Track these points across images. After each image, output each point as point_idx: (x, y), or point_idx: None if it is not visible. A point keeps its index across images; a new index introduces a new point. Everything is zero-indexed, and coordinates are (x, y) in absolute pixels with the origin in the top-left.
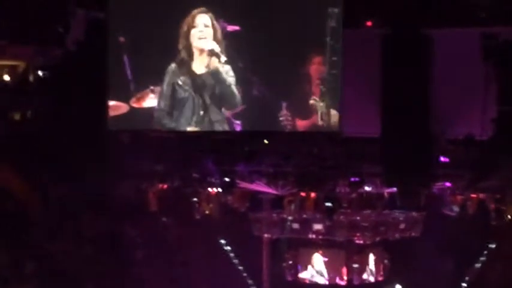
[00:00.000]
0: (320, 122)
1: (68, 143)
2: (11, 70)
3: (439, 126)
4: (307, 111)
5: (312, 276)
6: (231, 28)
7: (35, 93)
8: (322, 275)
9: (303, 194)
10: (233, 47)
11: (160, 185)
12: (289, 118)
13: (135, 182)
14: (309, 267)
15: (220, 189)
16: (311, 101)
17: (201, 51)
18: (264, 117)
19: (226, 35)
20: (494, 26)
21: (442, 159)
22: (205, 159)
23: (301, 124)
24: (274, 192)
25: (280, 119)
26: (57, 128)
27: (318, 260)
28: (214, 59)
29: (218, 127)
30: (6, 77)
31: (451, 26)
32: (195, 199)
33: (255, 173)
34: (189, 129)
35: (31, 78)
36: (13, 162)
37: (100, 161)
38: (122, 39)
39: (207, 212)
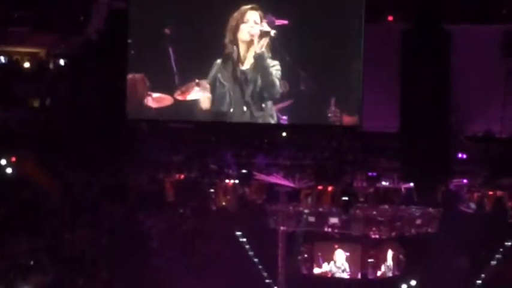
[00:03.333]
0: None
1: (87, 131)
2: (31, 57)
3: (458, 122)
4: (355, 108)
5: (331, 270)
6: (279, 22)
7: (54, 81)
8: (343, 270)
9: (320, 187)
10: (281, 41)
11: (178, 176)
12: (338, 114)
13: (153, 171)
14: (331, 261)
15: (237, 181)
16: None
17: (248, 46)
18: (312, 113)
19: (274, 29)
20: None
21: (460, 155)
22: (223, 150)
23: (348, 120)
24: (291, 185)
25: (329, 115)
26: (76, 116)
27: (339, 255)
28: (260, 54)
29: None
30: (27, 64)
31: (472, 22)
32: (211, 190)
33: (272, 166)
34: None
35: (51, 65)
36: (31, 150)
37: (118, 150)
38: (167, 31)
39: (223, 203)
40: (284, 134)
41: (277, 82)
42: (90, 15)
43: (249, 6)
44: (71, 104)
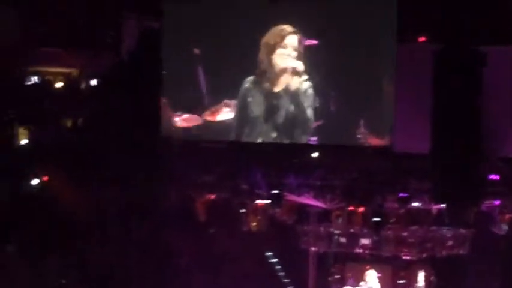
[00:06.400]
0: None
1: (119, 151)
2: (64, 77)
3: (490, 143)
4: (384, 130)
5: None
6: (308, 42)
7: (86, 101)
8: None
9: (350, 208)
10: (311, 61)
11: (209, 195)
12: (367, 136)
13: (185, 190)
14: (362, 282)
15: (268, 202)
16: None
17: (283, 70)
18: (341, 133)
19: (304, 49)
20: None
21: (492, 176)
22: (254, 171)
23: (376, 142)
24: (322, 205)
25: (358, 136)
26: (109, 136)
27: (370, 276)
28: (295, 79)
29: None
30: (59, 84)
31: (503, 43)
32: (243, 210)
33: (303, 186)
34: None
35: (83, 85)
36: (64, 170)
37: (151, 169)
38: (196, 51)
39: (254, 223)
40: (315, 154)
41: (309, 111)
42: (122, 35)
43: (290, 29)
44: (103, 123)
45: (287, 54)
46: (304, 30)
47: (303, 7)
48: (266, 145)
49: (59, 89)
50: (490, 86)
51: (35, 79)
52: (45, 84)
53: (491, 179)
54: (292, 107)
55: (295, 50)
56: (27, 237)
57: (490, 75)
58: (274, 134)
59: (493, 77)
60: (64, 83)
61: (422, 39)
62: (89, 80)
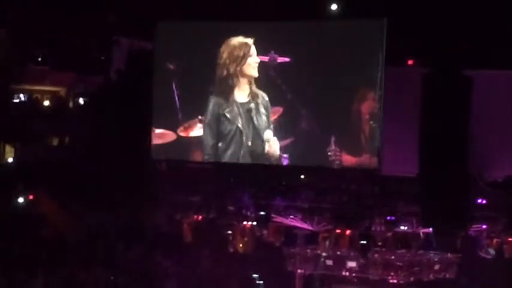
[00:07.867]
0: (369, 162)
1: (106, 170)
2: (51, 96)
3: (477, 167)
4: (356, 148)
5: None
6: (281, 59)
7: (73, 120)
8: None
9: (338, 230)
10: (282, 78)
11: (196, 216)
12: (338, 154)
13: (171, 212)
14: None
15: (255, 223)
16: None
17: (250, 79)
18: (312, 152)
19: (276, 67)
20: None
21: (479, 201)
22: (242, 192)
23: (348, 160)
24: (309, 228)
25: (329, 154)
26: (94, 155)
27: None
28: (256, 89)
29: (265, 162)
30: (46, 102)
31: (491, 68)
32: (229, 232)
33: (290, 208)
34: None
35: (71, 104)
36: (49, 188)
37: (138, 190)
38: (171, 66)
39: (241, 245)
40: (302, 176)
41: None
42: (111, 54)
43: (249, 39)
44: (89, 143)
45: (256, 62)
46: (277, 47)
47: (282, 25)
48: (252, 166)
49: (46, 107)
50: (478, 110)
51: (22, 97)
52: (33, 103)
53: (479, 203)
54: (259, 116)
55: (258, 57)
56: (12, 255)
57: (477, 99)
58: (249, 143)
59: (481, 101)
60: (51, 101)
61: (410, 62)
62: (77, 99)
